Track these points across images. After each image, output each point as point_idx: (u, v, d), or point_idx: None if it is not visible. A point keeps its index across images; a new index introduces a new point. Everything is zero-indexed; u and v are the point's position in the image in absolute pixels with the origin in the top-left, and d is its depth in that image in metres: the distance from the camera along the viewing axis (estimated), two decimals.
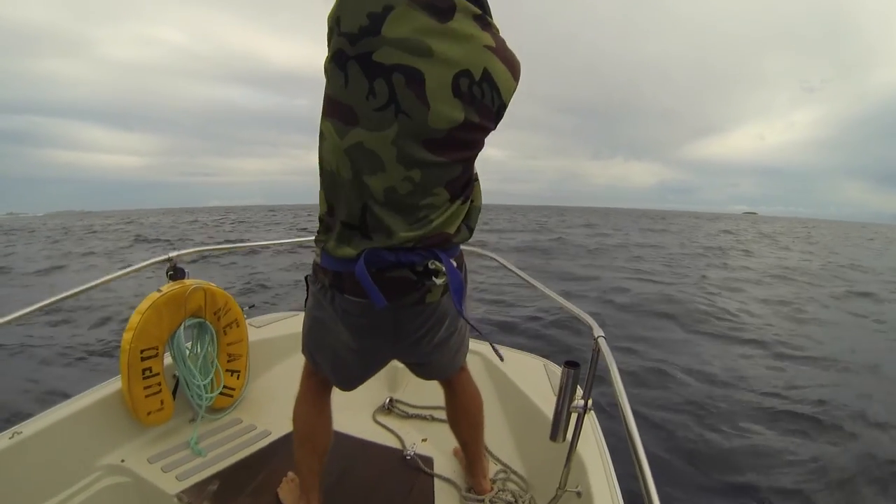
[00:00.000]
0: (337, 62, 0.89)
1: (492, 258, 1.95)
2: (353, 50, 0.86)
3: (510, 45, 0.99)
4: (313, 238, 1.10)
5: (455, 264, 1.06)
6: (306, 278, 1.15)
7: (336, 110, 0.92)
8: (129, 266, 1.69)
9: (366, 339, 1.11)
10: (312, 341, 1.22)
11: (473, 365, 1.52)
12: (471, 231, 1.10)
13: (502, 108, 0.99)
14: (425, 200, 0.97)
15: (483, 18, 0.93)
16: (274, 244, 2.53)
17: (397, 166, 0.92)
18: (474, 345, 1.85)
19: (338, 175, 0.95)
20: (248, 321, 1.96)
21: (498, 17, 0.99)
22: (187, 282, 1.69)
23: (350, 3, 0.86)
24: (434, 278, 1.01)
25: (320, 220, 1.05)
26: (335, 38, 0.88)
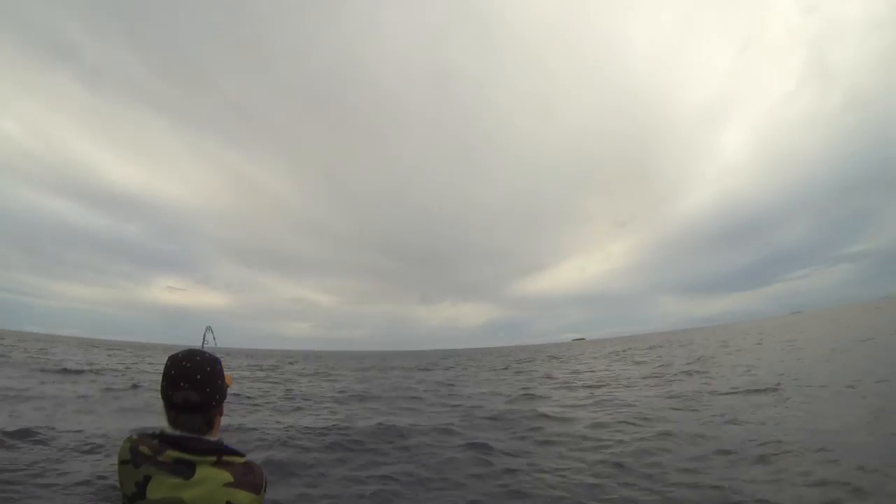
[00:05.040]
0: None
1: None
2: None
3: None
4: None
5: None
6: None
7: None
8: None
9: None
10: None
11: None
12: None
13: None
14: None
15: (221, 461, 1.28)
16: None
17: None
18: None
19: None
20: None
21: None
22: None
23: (123, 475, 1.26)
24: None
25: None
26: (121, 496, 1.26)
